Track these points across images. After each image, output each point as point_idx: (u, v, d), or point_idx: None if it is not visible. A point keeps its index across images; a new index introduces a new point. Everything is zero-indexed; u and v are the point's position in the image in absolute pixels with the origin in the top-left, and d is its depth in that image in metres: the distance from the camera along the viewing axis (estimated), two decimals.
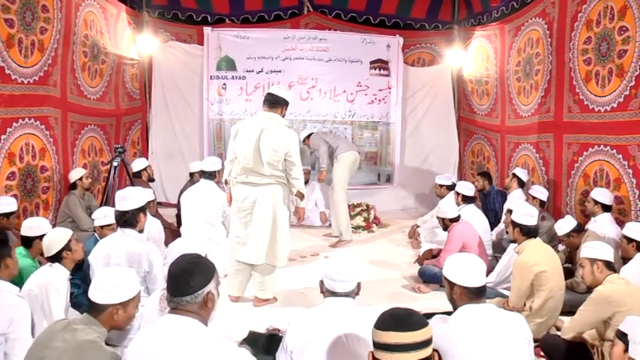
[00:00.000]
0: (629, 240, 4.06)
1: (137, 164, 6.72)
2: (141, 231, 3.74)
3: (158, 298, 2.85)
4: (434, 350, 1.81)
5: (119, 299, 2.37)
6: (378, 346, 1.78)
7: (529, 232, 3.94)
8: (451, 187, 6.38)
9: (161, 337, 2.00)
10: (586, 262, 3.35)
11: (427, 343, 1.76)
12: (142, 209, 3.70)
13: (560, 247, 5.10)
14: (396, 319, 1.79)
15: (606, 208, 4.94)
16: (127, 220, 3.63)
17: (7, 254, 2.96)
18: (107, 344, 2.37)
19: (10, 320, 2.64)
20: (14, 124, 5.07)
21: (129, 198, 3.66)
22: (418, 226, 6.86)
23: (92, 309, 2.37)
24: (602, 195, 4.99)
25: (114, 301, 2.36)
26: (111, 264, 3.47)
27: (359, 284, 2.58)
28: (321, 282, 2.59)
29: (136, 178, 6.56)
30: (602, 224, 4.80)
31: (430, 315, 2.80)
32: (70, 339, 2.22)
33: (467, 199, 5.80)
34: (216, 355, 1.96)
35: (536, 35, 6.65)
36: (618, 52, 5.10)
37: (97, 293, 2.36)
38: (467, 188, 5.88)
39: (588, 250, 3.39)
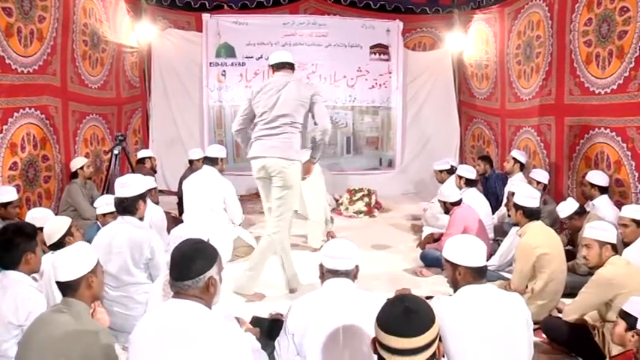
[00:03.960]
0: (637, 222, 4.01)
1: (142, 152, 6.84)
2: (141, 219, 3.73)
3: (162, 284, 2.87)
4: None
5: (88, 268, 2.42)
6: (381, 345, 1.66)
7: (531, 215, 3.95)
8: (451, 171, 6.37)
9: (165, 321, 2.02)
10: (594, 244, 3.30)
11: (432, 343, 1.65)
12: (141, 196, 3.68)
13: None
14: (400, 322, 1.64)
15: (603, 190, 4.93)
16: (126, 207, 3.62)
17: (29, 249, 2.90)
18: (110, 328, 2.41)
19: (29, 312, 2.66)
20: (15, 114, 5.07)
21: (128, 185, 3.64)
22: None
23: (67, 289, 2.38)
24: (597, 177, 4.98)
25: (85, 272, 2.40)
26: (112, 252, 3.48)
27: (357, 267, 2.61)
28: (321, 265, 2.61)
29: (139, 165, 6.58)
30: (601, 207, 4.76)
31: (431, 298, 2.82)
32: (64, 323, 2.25)
33: (468, 183, 5.79)
34: (220, 338, 1.98)
35: (536, 17, 6.61)
36: (618, 33, 5.06)
37: (66, 272, 2.37)
38: (469, 171, 5.88)
39: (597, 232, 3.32)
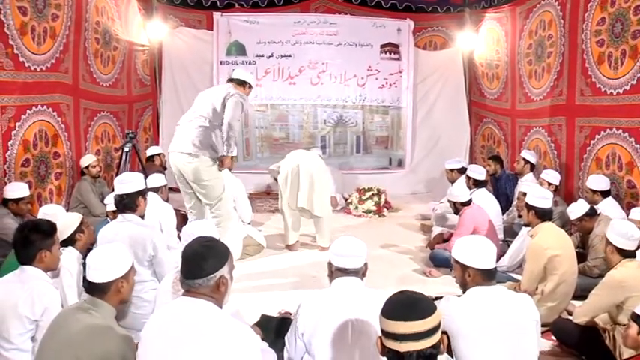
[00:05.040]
0: None
1: (151, 149, 6.89)
2: (142, 216, 3.73)
3: (171, 281, 2.89)
4: (443, 333, 1.79)
5: (121, 272, 2.40)
6: (387, 334, 1.73)
7: (544, 215, 3.93)
8: (462, 171, 6.34)
9: (175, 318, 2.03)
10: (604, 238, 3.38)
11: (436, 329, 1.71)
12: (140, 193, 3.68)
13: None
14: (404, 308, 1.73)
15: (605, 193, 4.90)
16: (126, 204, 3.62)
17: (45, 247, 2.87)
18: (120, 326, 2.40)
19: (45, 308, 2.67)
20: (28, 111, 5.11)
21: (127, 182, 3.66)
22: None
23: (96, 290, 2.36)
24: (596, 182, 4.96)
25: (117, 276, 2.38)
26: None
27: (366, 264, 2.60)
28: (329, 263, 2.61)
29: (149, 162, 6.61)
30: (606, 210, 4.68)
31: (440, 298, 2.81)
32: (84, 320, 2.24)
33: (478, 183, 5.77)
34: (230, 337, 1.98)
35: (548, 17, 6.57)
36: (632, 32, 5.01)
37: (97, 273, 2.35)
38: (478, 172, 5.85)
39: (609, 231, 3.33)
